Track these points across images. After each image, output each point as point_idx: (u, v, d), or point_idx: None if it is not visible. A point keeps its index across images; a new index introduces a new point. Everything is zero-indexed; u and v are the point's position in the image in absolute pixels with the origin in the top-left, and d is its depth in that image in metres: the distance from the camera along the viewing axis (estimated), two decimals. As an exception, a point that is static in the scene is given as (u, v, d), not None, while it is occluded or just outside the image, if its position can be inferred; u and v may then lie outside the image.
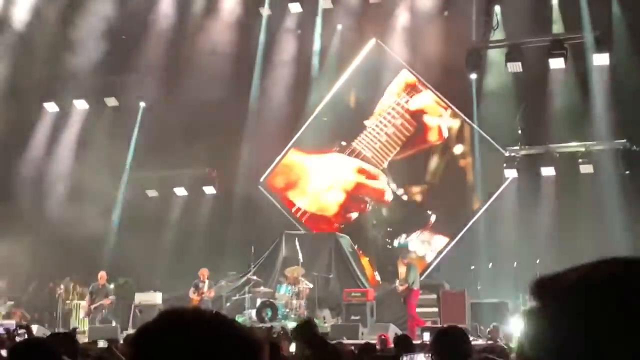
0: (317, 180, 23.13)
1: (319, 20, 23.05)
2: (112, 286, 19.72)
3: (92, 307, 19.20)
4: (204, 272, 19.22)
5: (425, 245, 22.19)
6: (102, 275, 19.54)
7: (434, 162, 22.49)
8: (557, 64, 19.52)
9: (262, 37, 23.16)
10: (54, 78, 22.73)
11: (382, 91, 22.95)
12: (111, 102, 23.08)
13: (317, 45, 23.25)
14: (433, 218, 22.26)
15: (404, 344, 8.33)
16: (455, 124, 22.42)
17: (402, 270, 18.98)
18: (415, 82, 22.67)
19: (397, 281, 19.06)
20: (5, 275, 21.44)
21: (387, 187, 22.62)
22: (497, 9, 20.93)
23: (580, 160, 19.72)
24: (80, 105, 23.28)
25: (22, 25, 22.29)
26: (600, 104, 19.62)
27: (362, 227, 22.73)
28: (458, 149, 22.36)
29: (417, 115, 22.61)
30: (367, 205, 22.73)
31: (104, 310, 19.11)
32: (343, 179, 22.86)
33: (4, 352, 7.01)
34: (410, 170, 22.56)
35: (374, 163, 22.71)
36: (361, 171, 22.76)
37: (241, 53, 22.96)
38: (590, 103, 19.75)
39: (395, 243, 22.44)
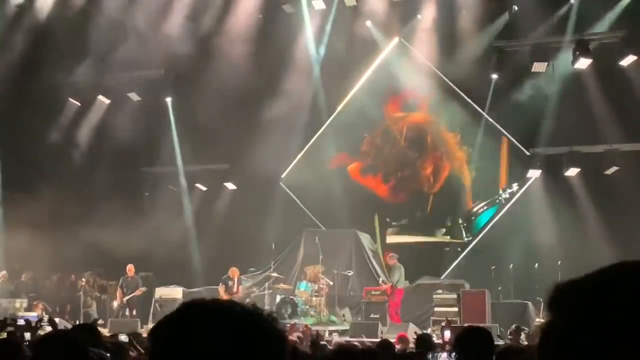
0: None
1: (341, 18, 23.01)
2: (139, 277, 19.97)
3: (125, 299, 19.46)
4: (234, 271, 19.22)
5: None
6: (130, 267, 19.80)
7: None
8: (581, 64, 19.38)
9: (285, 34, 23.12)
10: (79, 74, 22.81)
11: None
12: (134, 97, 23.16)
13: (339, 43, 23.19)
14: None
15: (426, 343, 8.28)
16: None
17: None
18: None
19: (381, 279, 19.22)
20: (29, 268, 21.59)
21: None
22: (518, 8, 20.94)
23: (604, 161, 19.59)
24: (103, 100, 23.42)
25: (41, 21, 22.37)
26: (625, 105, 19.45)
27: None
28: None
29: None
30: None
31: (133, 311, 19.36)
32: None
33: (27, 335, 7.11)
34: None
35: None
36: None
37: (263, 50, 22.96)
38: (615, 104, 19.55)
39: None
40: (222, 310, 1.49)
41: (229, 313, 1.48)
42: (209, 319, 1.46)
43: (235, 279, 19.14)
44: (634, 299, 1.07)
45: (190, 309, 1.50)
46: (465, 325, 14.42)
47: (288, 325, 15.57)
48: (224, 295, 18.51)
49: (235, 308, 1.51)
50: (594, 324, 1.07)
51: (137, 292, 19.59)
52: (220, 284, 19.07)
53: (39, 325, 9.91)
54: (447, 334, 13.76)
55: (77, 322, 17.71)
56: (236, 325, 1.45)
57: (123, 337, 10.42)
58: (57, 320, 16.02)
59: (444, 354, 4.55)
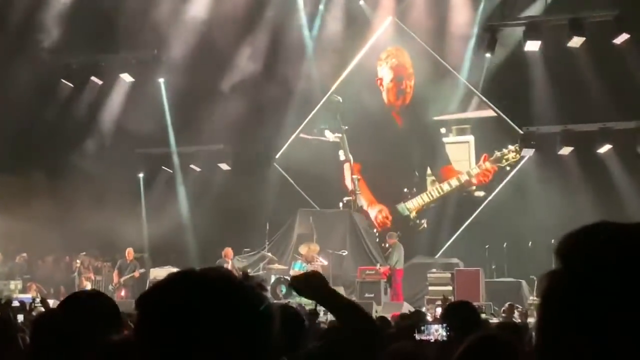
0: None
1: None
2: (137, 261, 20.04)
3: (122, 279, 19.56)
4: (228, 252, 19.25)
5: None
6: (129, 251, 19.90)
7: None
8: (574, 43, 19.35)
9: (278, 14, 23.00)
10: (72, 55, 22.63)
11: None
12: (127, 78, 22.99)
13: (333, 23, 23.11)
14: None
15: (419, 316, 8.39)
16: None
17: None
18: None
19: (379, 263, 19.17)
20: (23, 250, 21.59)
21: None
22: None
23: (598, 140, 19.61)
24: (96, 81, 23.23)
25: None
26: (618, 84, 19.43)
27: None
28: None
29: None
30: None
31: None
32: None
33: (20, 318, 7.14)
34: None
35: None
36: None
37: (257, 29, 22.88)
38: (608, 82, 19.51)
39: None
40: (208, 278, 1.50)
41: (215, 281, 1.50)
42: (195, 286, 1.47)
43: (230, 262, 19.16)
44: None
45: (176, 277, 1.51)
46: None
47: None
48: None
49: (222, 276, 1.52)
50: (612, 269, 1.07)
51: (135, 274, 19.68)
52: None
53: (32, 307, 9.93)
54: (439, 310, 13.88)
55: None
56: (222, 293, 1.46)
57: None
58: (52, 301, 16.09)
59: (436, 325, 4.62)
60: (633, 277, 1.07)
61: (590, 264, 1.11)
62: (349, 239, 20.59)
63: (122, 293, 19.62)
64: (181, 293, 1.46)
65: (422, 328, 4.78)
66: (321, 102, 23.61)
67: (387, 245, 20.26)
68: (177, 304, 1.44)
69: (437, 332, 4.65)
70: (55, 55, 21.93)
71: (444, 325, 4.63)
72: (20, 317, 8.22)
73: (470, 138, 22.23)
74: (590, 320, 1.08)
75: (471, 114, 22.37)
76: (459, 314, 4.89)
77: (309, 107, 23.61)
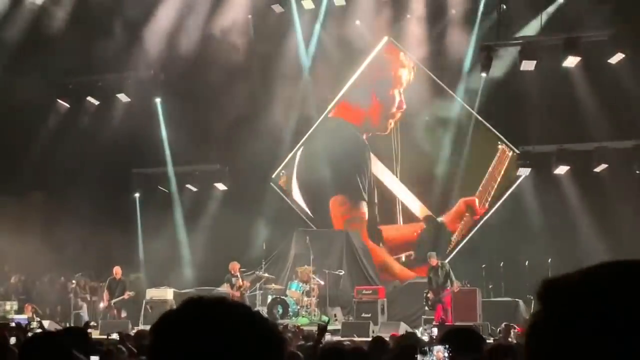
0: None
1: (331, 18, 23.01)
2: (127, 280, 19.93)
3: (112, 302, 19.37)
4: (235, 266, 19.16)
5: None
6: (117, 270, 19.73)
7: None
8: (570, 62, 19.42)
9: (274, 34, 23.09)
10: (69, 75, 22.65)
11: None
12: (122, 97, 22.97)
13: (329, 43, 23.20)
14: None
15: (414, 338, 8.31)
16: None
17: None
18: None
19: (454, 282, 17.67)
20: (19, 270, 21.53)
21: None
22: (507, 7, 20.99)
23: (594, 159, 19.63)
24: (92, 101, 23.21)
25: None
26: (614, 103, 19.49)
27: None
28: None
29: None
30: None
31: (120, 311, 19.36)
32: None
33: (13, 340, 7.12)
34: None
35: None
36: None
37: (254, 49, 22.98)
38: (604, 102, 19.57)
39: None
40: (223, 311, 1.50)
41: (230, 314, 1.49)
42: (209, 319, 1.46)
43: (238, 274, 19.10)
44: (631, 292, 1.08)
45: (192, 308, 1.50)
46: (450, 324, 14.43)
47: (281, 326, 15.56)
48: (233, 293, 18.37)
49: (237, 310, 1.51)
50: (592, 313, 1.08)
51: (125, 296, 19.49)
52: (225, 284, 19.00)
53: (27, 328, 9.90)
54: (435, 331, 13.81)
55: (68, 324, 17.65)
56: (235, 327, 1.46)
57: (114, 336, 10.44)
58: (47, 322, 16.05)
59: (440, 346, 4.61)
60: (608, 315, 1.08)
61: (567, 304, 1.12)
62: (345, 258, 20.55)
63: (118, 312, 19.51)
64: (195, 320, 1.46)
65: (425, 349, 4.77)
66: (317, 123, 23.63)
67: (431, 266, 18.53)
68: (190, 331, 1.44)
69: (440, 353, 4.64)
70: (51, 74, 21.91)
71: (446, 346, 4.62)
72: (12, 340, 8.14)
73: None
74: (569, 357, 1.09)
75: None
76: (460, 336, 4.87)
77: (305, 127, 23.63)
